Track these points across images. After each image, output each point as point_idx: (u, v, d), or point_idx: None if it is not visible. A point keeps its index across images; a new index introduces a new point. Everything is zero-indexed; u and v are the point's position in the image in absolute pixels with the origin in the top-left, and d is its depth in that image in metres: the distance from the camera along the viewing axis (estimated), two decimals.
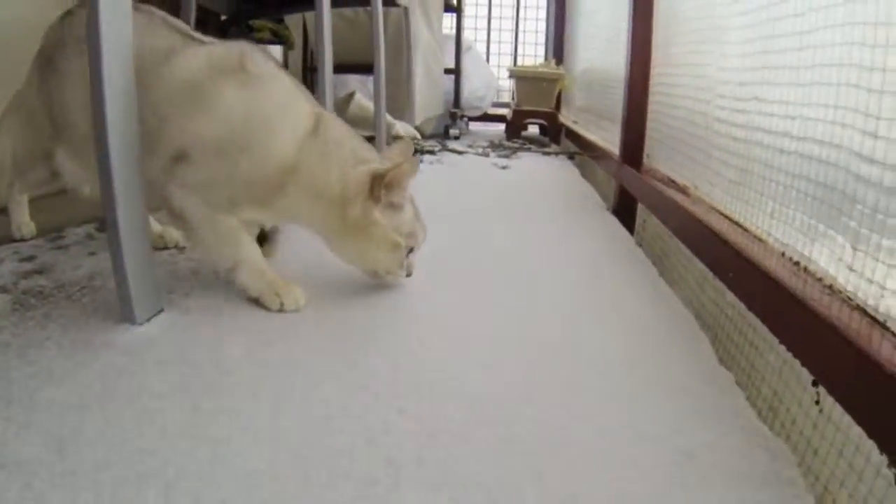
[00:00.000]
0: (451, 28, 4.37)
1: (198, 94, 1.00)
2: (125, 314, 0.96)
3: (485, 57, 5.43)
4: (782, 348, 0.88)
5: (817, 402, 0.81)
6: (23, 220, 1.37)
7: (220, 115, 1.00)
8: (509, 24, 5.65)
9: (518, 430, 0.75)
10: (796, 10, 0.99)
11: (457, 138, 4.12)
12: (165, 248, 1.36)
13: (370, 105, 2.76)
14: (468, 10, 5.26)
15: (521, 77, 4.36)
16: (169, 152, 1.00)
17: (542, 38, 5.56)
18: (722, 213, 1.25)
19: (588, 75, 3.55)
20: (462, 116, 4.53)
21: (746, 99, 1.18)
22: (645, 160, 1.97)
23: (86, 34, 0.89)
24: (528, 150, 3.82)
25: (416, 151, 1.51)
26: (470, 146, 3.73)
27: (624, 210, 2.04)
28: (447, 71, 4.08)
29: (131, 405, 0.76)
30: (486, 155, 3.44)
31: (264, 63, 1.07)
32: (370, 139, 1.36)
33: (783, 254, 0.97)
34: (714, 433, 0.77)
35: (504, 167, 3.05)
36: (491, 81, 4.98)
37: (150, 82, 1.00)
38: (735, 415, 0.82)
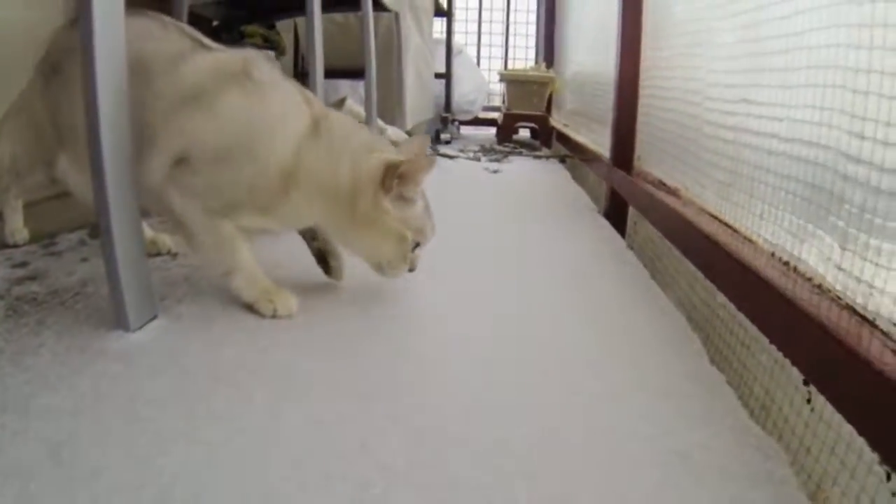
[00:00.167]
0: (442, 32, 4.38)
1: (201, 98, 1.01)
2: (119, 321, 0.96)
3: (475, 61, 5.46)
4: (773, 348, 0.89)
5: (809, 401, 0.82)
6: (16, 227, 1.36)
7: (221, 120, 1.00)
8: (500, 28, 5.68)
9: (510, 431, 0.76)
10: (783, 13, 1.00)
11: (448, 142, 4.14)
12: (158, 254, 1.36)
13: (361, 110, 2.75)
14: (458, 15, 5.29)
15: (512, 81, 4.38)
16: (170, 155, 1.00)
17: (532, 42, 5.60)
18: (712, 215, 1.26)
19: (578, 78, 3.57)
20: (453, 121, 4.53)
21: (735, 101, 1.19)
22: (635, 163, 1.98)
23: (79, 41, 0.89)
24: (520, 153, 3.83)
25: None
26: (461, 150, 3.75)
27: (615, 213, 2.05)
28: (438, 75, 4.08)
29: (126, 411, 0.76)
30: (478, 159, 3.46)
31: (269, 71, 1.08)
32: None
33: (773, 254, 0.98)
34: (706, 433, 0.77)
35: (495, 171, 3.06)
36: (482, 85, 5.00)
37: (158, 86, 1.01)
38: (727, 414, 0.82)
